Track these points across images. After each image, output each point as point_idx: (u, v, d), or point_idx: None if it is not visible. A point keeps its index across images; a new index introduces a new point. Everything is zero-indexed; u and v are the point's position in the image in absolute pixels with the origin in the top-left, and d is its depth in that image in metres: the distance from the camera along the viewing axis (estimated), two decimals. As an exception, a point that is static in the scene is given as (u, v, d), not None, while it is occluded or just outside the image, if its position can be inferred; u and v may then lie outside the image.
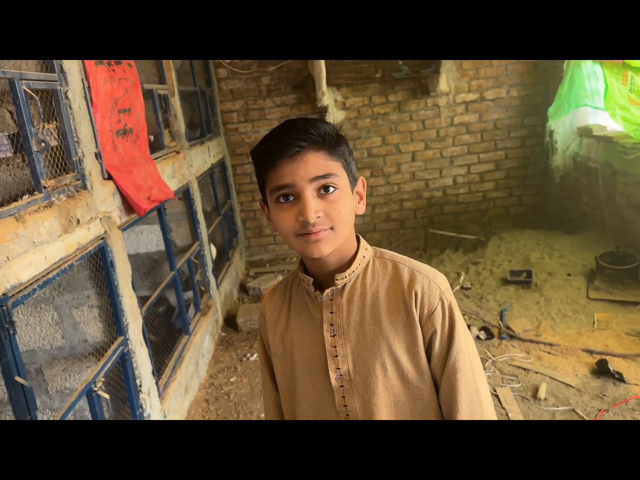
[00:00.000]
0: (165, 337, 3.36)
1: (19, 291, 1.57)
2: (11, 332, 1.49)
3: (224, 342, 3.95)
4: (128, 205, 2.51)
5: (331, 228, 0.89)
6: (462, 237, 5.23)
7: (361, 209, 0.97)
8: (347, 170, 0.91)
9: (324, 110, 5.14)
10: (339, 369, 0.97)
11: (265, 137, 0.92)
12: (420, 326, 0.93)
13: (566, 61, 4.39)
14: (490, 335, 3.46)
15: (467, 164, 5.57)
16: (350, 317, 0.96)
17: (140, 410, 2.40)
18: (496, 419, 0.98)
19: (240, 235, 5.61)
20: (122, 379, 2.33)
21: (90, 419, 1.99)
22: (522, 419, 2.59)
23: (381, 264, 0.98)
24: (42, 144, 1.76)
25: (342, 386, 0.97)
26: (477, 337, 3.45)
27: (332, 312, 0.97)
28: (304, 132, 0.87)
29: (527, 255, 4.59)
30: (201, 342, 3.50)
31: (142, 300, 2.67)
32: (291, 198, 0.88)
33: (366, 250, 0.99)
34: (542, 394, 2.79)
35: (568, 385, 2.86)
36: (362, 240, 1.00)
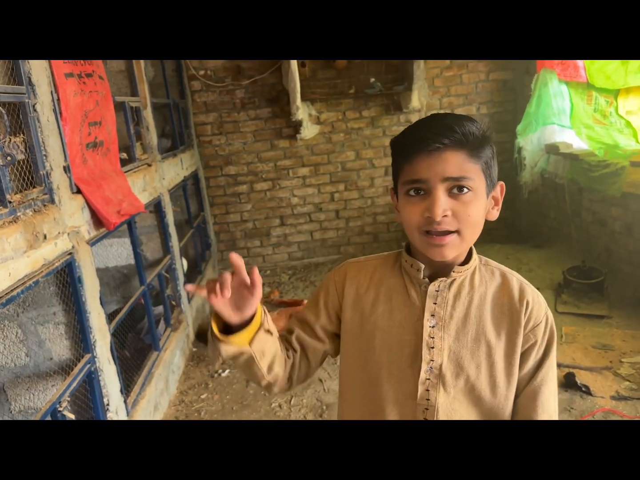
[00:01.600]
0: (135, 353, 3.29)
1: (-20, 310, 1.52)
2: (-29, 353, 1.44)
3: (195, 358, 3.89)
4: (97, 219, 2.46)
5: (457, 231, 0.87)
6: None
7: (494, 214, 0.95)
8: (485, 174, 0.89)
9: (299, 124, 5.17)
10: (433, 360, 0.94)
11: (408, 128, 0.92)
12: (523, 335, 0.95)
13: (534, 80, 4.53)
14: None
15: (439, 179, 5.66)
16: (454, 312, 0.96)
17: (108, 430, 2.33)
18: None
19: (213, 247, 5.56)
20: (89, 397, 2.27)
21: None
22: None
23: (488, 270, 0.99)
24: (8, 158, 1.72)
25: (428, 379, 0.95)
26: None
27: (435, 303, 0.96)
28: (448, 129, 0.85)
29: (497, 269, 4.68)
30: (171, 358, 3.44)
31: (111, 316, 2.61)
32: (422, 192, 0.88)
33: (476, 254, 0.99)
34: (512, 407, 2.82)
35: (537, 398, 2.90)
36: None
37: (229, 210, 5.63)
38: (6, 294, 1.66)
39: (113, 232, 2.69)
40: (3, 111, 1.75)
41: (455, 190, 0.86)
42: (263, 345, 0.95)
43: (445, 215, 0.86)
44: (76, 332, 2.24)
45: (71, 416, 1.93)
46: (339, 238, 5.68)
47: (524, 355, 0.96)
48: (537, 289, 1.01)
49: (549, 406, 0.97)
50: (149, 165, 3.56)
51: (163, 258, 3.76)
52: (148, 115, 3.68)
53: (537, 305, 0.96)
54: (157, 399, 3.06)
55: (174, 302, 3.80)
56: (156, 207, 3.70)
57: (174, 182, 4.20)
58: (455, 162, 0.85)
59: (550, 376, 0.97)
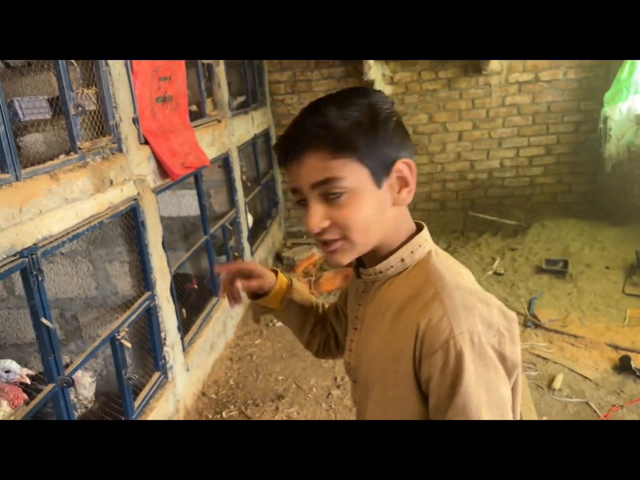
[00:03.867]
0: (197, 297, 3.54)
1: (49, 242, 1.73)
2: (39, 278, 1.66)
3: (253, 307, 4.11)
4: (163, 169, 2.65)
5: (344, 237, 0.77)
6: (502, 221, 5.13)
7: (405, 198, 0.78)
8: (366, 163, 0.74)
9: (371, 84, 5.10)
10: (349, 363, 0.91)
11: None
12: (419, 365, 0.73)
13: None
14: (514, 322, 3.43)
15: (516, 147, 5.40)
16: (364, 320, 0.87)
17: (164, 361, 2.58)
18: None
19: (280, 205, 5.73)
20: (147, 331, 2.51)
21: (114, 365, 2.17)
22: (531, 407, 2.59)
23: (420, 271, 0.79)
24: (79, 108, 1.90)
25: (354, 380, 0.92)
26: (501, 323, 3.43)
27: (359, 305, 0.89)
28: (301, 130, 0.75)
29: (567, 245, 4.46)
30: (230, 305, 3.66)
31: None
32: (303, 202, 0.78)
33: (411, 253, 0.81)
34: (557, 384, 2.77)
35: (586, 378, 2.82)
36: (416, 239, 0.82)
37: (298, 169, 5.73)
38: (73, 230, 1.87)
39: (178, 183, 2.88)
40: (76, 64, 1.92)
41: (330, 195, 0.75)
42: (287, 311, 1.09)
43: (325, 226, 0.76)
44: (138, 271, 2.47)
45: (128, 344, 2.17)
46: (405, 203, 5.62)
47: (429, 392, 0.74)
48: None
49: None
50: (219, 121, 3.71)
51: (228, 211, 3.95)
52: (220, 72, 3.81)
53: (434, 330, 0.71)
54: (213, 340, 3.30)
55: (236, 254, 4.01)
56: (224, 162, 3.88)
57: (244, 139, 4.35)
58: (316, 165, 0.74)
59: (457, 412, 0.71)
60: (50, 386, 1.72)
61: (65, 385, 1.76)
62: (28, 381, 2.06)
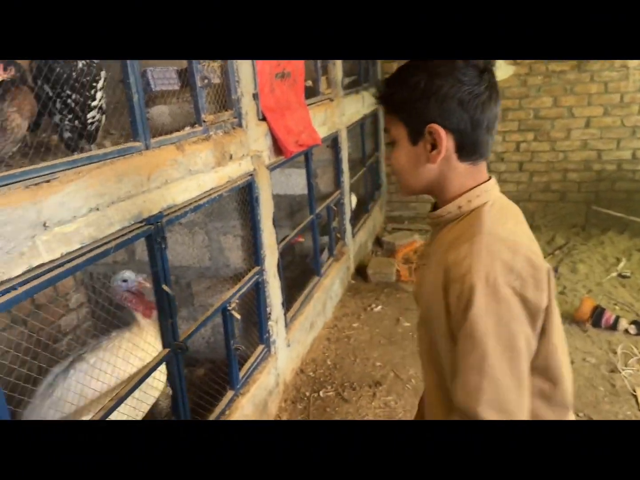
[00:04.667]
0: (299, 275, 3.57)
1: (173, 211, 1.79)
2: (162, 246, 1.71)
3: (352, 289, 4.08)
4: (277, 146, 2.65)
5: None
6: (631, 219, 4.62)
7: (434, 158, 0.92)
8: (407, 123, 0.93)
9: (492, 63, 4.77)
10: (414, 292, 1.08)
11: None
12: (445, 292, 0.86)
13: None
14: (641, 331, 3.08)
15: (654, 137, 4.82)
16: (429, 257, 0.99)
17: (267, 335, 2.62)
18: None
19: (383, 189, 5.61)
20: (254, 304, 2.56)
21: (224, 334, 2.23)
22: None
23: (472, 218, 0.91)
24: (205, 81, 1.93)
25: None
26: (626, 331, 3.10)
27: (428, 245, 1.06)
28: (385, 84, 0.97)
29: None
30: (330, 285, 3.66)
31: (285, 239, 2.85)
32: None
33: (469, 202, 0.93)
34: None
35: None
36: (476, 189, 0.93)
37: (404, 152, 5.57)
38: (195, 201, 1.92)
39: (290, 161, 2.88)
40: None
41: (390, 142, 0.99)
42: None
43: (388, 165, 1.02)
44: (250, 246, 2.52)
45: (237, 316, 2.21)
46: (518, 193, 5.27)
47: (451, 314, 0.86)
48: None
49: (464, 387, 0.80)
50: (331, 100, 3.67)
51: (333, 192, 3.92)
52: (335, 49, 3.74)
53: (456, 266, 0.84)
54: (313, 319, 3.32)
55: (338, 235, 3.99)
56: (333, 141, 3.84)
57: (353, 119, 4.28)
58: (385, 117, 0.99)
59: (464, 354, 0.81)
60: (165, 351, 1.80)
61: (179, 350, 1.82)
62: (148, 284, 2.08)
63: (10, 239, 1.19)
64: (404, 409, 2.63)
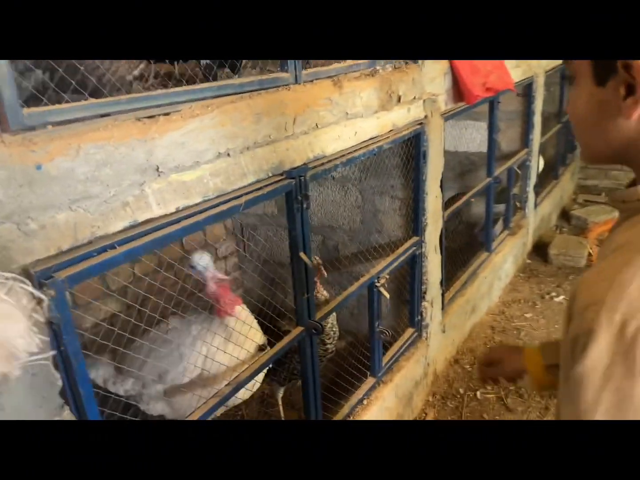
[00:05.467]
0: (463, 247, 3.06)
1: (321, 164, 1.44)
2: (304, 206, 1.38)
3: (527, 271, 3.44)
4: (457, 90, 2.14)
5: None
6: None
7: (627, 107, 0.58)
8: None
9: None
10: None
11: None
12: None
13: None
14: None
15: None
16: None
17: (419, 317, 2.22)
18: None
19: (577, 151, 4.67)
20: (407, 280, 2.16)
21: (368, 315, 1.89)
22: None
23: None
24: None
25: None
26: None
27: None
28: None
29: None
30: (501, 264, 3.09)
31: (447, 204, 2.37)
32: None
33: None
34: None
35: None
36: None
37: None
38: (348, 153, 1.54)
39: (472, 108, 2.35)
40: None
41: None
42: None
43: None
44: (409, 211, 2.10)
45: (386, 295, 1.84)
46: None
47: None
48: None
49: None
50: (530, 36, 2.97)
51: (519, 151, 3.26)
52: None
53: (583, 291, 0.56)
54: (476, 302, 2.82)
55: (518, 204, 3.35)
56: (525, 89, 3.16)
57: (553, 63, 3.49)
58: None
59: (566, 398, 0.55)
60: (298, 330, 1.50)
61: (314, 332, 1.52)
62: (221, 276, 1.74)
63: (110, 185, 0.94)
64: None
